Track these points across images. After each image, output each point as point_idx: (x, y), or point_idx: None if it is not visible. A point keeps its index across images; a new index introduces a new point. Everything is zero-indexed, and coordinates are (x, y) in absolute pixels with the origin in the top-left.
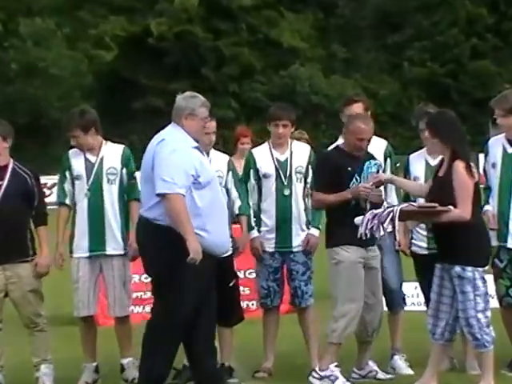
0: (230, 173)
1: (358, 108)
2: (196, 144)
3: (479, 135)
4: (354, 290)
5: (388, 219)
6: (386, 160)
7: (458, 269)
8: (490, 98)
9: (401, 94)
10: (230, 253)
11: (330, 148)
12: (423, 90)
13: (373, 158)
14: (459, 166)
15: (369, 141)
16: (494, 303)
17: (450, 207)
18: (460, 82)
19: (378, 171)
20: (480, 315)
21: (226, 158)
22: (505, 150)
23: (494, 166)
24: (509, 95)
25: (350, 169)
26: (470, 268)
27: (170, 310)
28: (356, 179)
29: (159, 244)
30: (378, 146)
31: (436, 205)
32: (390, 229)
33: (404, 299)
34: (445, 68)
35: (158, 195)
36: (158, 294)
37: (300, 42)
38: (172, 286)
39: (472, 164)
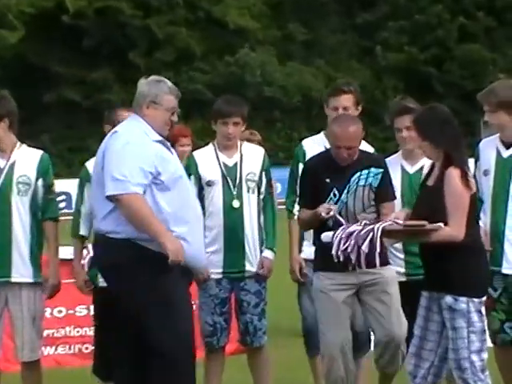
0: None
1: (346, 101)
2: (159, 137)
3: (469, 136)
4: (322, 325)
5: (367, 240)
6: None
7: (449, 299)
8: (481, 91)
9: (373, 84)
10: None
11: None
12: (400, 80)
13: (374, 165)
14: (453, 174)
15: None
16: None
17: (441, 225)
18: (445, 71)
19: (371, 185)
20: (474, 357)
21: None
22: (499, 153)
23: (486, 173)
24: (497, 87)
25: (328, 180)
26: (464, 298)
27: (175, 331)
28: (335, 194)
29: (127, 264)
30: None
31: (425, 223)
32: (366, 250)
33: (370, 340)
34: (426, 53)
35: (108, 198)
36: (149, 323)
37: (249, 21)
38: (163, 306)
39: (469, 172)
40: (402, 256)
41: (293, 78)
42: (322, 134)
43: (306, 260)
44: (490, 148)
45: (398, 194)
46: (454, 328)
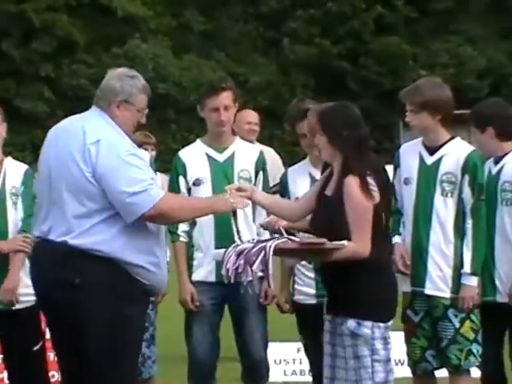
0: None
1: (226, 99)
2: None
3: (387, 140)
4: None
5: (259, 259)
6: (257, 173)
7: (351, 323)
8: (401, 89)
9: (280, 81)
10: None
11: None
12: (310, 76)
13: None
14: (352, 183)
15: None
16: (405, 371)
17: (344, 243)
18: (360, 67)
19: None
20: None
21: (23, 167)
22: (422, 160)
23: (406, 181)
24: (422, 85)
25: None
26: (368, 323)
27: (120, 372)
28: None
29: (103, 283)
30: (249, 154)
31: (324, 241)
32: (260, 272)
33: (268, 369)
34: (340, 47)
35: (141, 218)
36: (95, 355)
37: (140, 8)
38: (117, 340)
39: (371, 180)
40: (312, 275)
41: (190, 73)
42: (198, 142)
43: (198, 282)
44: (411, 154)
45: None
46: (356, 357)
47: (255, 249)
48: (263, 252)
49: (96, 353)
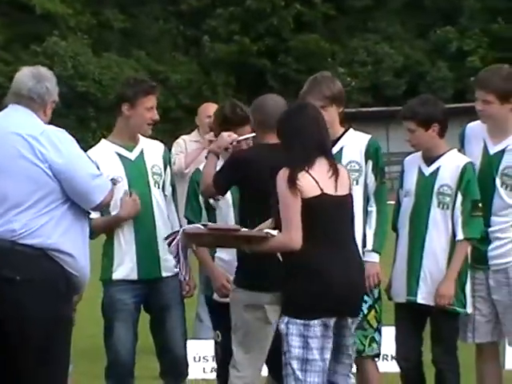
0: None
1: (150, 101)
2: None
3: None
4: None
5: (172, 245)
6: (165, 167)
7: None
8: None
9: (200, 79)
10: None
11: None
12: (231, 74)
13: None
14: (280, 175)
15: None
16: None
17: (271, 231)
18: (280, 64)
19: None
20: None
21: None
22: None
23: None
24: (321, 78)
25: None
26: (285, 319)
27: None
28: None
29: (43, 281)
30: (155, 149)
31: (238, 227)
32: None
33: (187, 366)
34: (260, 44)
35: (100, 203)
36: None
37: (59, 6)
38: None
39: (303, 174)
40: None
41: (110, 71)
42: (105, 142)
43: (120, 281)
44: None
45: None
46: (283, 352)
47: (178, 235)
48: (177, 237)
49: (33, 351)
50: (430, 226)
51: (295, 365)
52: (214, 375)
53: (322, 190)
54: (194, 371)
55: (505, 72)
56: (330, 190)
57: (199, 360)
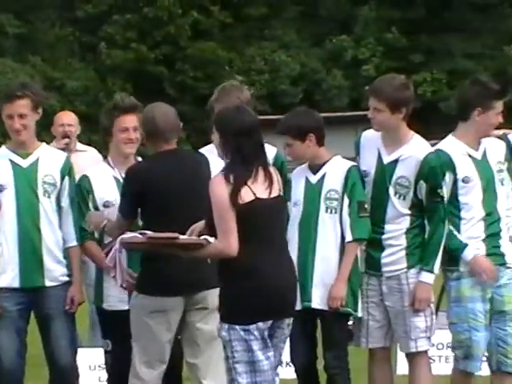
0: None
1: (22, 107)
2: None
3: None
4: None
5: (110, 254)
6: (63, 178)
7: (219, 326)
8: None
9: (97, 86)
10: None
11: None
12: (128, 81)
13: None
14: (214, 181)
15: None
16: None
17: (208, 238)
18: (177, 71)
19: None
20: None
21: None
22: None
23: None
24: (229, 87)
25: None
26: (225, 325)
27: None
28: None
29: None
30: (54, 159)
31: (177, 235)
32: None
33: (78, 376)
34: (156, 52)
35: None
36: None
37: None
38: None
39: (244, 180)
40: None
41: (4, 78)
42: (3, 148)
43: (2, 288)
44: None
45: None
46: (224, 359)
47: (116, 244)
48: (114, 246)
49: None
50: (319, 232)
51: (241, 368)
52: None
53: (254, 194)
54: (90, 380)
55: (398, 82)
56: (263, 194)
57: (94, 369)
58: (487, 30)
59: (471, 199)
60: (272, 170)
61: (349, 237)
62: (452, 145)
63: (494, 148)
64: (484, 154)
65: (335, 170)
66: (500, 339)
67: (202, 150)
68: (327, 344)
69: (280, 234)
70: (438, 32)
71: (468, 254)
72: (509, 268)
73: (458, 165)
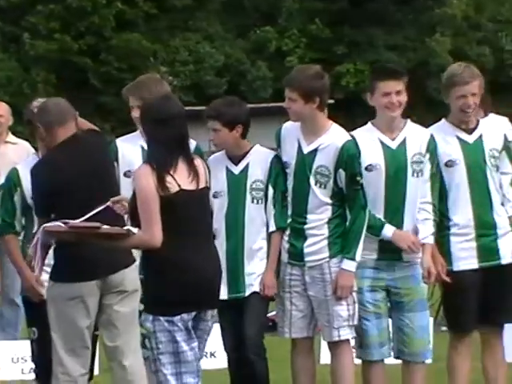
0: None
1: None
2: None
3: None
4: None
5: (33, 242)
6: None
7: (143, 317)
8: None
9: (21, 77)
10: None
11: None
12: (51, 71)
13: None
14: (140, 171)
15: None
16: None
17: (132, 229)
18: (102, 62)
19: None
20: (172, 380)
21: None
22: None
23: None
24: (145, 80)
25: None
26: (149, 317)
27: None
28: None
29: None
30: None
31: (99, 225)
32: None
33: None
34: (80, 42)
35: None
36: None
37: None
38: None
39: (167, 170)
40: None
41: None
42: None
43: None
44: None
45: None
46: (150, 348)
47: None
48: (37, 235)
49: None
50: (246, 222)
51: (165, 359)
52: (32, 376)
53: (179, 185)
54: (12, 372)
55: (312, 71)
56: (188, 186)
57: (17, 361)
58: (409, 21)
59: (373, 188)
60: (199, 161)
61: (272, 227)
62: (365, 132)
63: (415, 139)
64: (403, 143)
65: (258, 161)
66: (399, 329)
67: (128, 137)
68: (248, 323)
69: (206, 226)
70: (361, 24)
71: (387, 231)
72: (406, 262)
73: (364, 152)
